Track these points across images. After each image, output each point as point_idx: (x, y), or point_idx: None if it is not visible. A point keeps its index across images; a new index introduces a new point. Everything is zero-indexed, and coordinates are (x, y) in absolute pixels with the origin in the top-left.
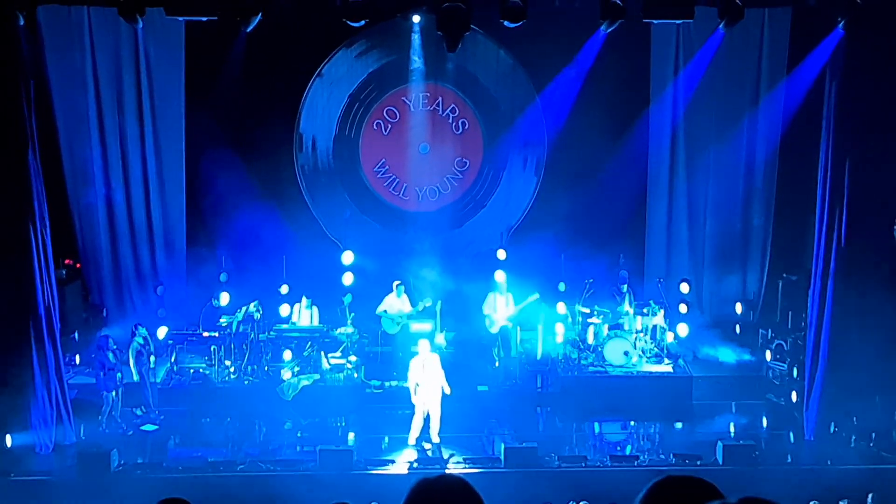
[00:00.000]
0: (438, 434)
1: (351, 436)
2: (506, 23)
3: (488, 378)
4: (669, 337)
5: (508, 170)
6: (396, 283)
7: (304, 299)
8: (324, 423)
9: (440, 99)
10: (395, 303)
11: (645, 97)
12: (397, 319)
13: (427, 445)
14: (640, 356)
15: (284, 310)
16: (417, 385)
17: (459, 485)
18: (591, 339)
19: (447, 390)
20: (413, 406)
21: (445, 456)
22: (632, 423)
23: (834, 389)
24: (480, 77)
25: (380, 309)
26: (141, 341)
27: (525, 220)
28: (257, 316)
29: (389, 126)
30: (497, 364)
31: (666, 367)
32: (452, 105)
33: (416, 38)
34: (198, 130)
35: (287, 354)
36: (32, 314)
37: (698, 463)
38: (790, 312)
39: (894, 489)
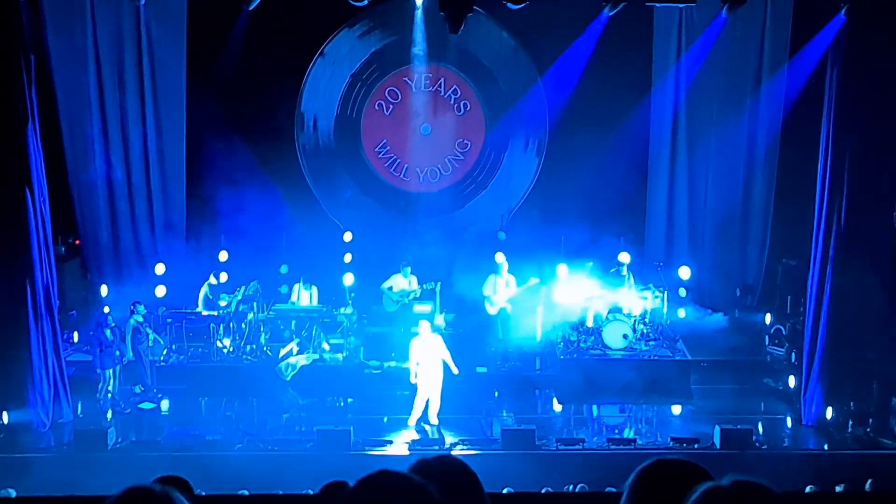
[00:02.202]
0: (437, 416)
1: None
2: (509, 4)
3: (487, 360)
4: (665, 306)
5: (510, 151)
6: (405, 263)
7: (301, 280)
8: (322, 403)
9: (442, 80)
10: (401, 282)
11: (647, 81)
12: (398, 298)
13: (425, 427)
14: (638, 339)
15: (284, 289)
16: (418, 364)
17: (458, 466)
18: (590, 322)
19: (454, 370)
20: (412, 387)
21: (443, 437)
22: (630, 406)
23: (832, 375)
24: (483, 58)
25: (385, 285)
26: (140, 319)
27: (526, 202)
28: (257, 295)
29: (391, 106)
30: (496, 346)
31: (664, 351)
32: (454, 86)
33: (418, 19)
34: (199, 109)
35: (290, 344)
36: (31, 291)
37: (696, 447)
38: (789, 297)
39: (892, 475)
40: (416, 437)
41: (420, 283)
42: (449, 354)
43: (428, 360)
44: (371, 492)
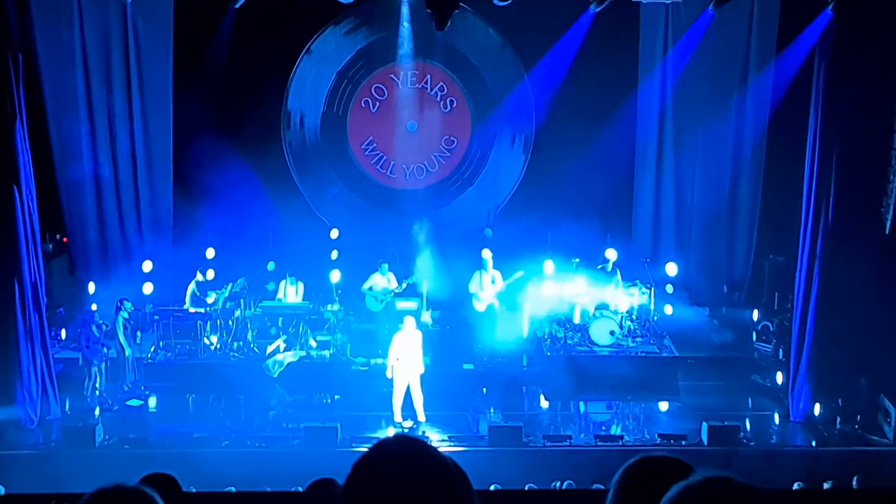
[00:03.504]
0: (423, 412)
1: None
2: (495, 1)
3: (474, 356)
4: (651, 302)
5: (496, 148)
6: (381, 262)
7: (287, 276)
8: (309, 400)
9: (428, 77)
10: (380, 280)
11: (633, 77)
12: (381, 297)
13: (411, 423)
14: (625, 336)
15: (271, 286)
16: (398, 360)
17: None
18: (577, 319)
19: (420, 369)
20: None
21: (430, 434)
22: (617, 402)
23: (819, 371)
24: (469, 55)
25: (365, 286)
26: (126, 316)
27: (512, 199)
28: (244, 292)
29: (377, 103)
30: (483, 343)
31: (651, 347)
32: (441, 83)
33: (404, 16)
34: (186, 107)
35: (277, 341)
36: (18, 288)
37: (683, 443)
38: (776, 294)
39: (879, 471)
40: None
41: (399, 280)
42: (421, 354)
43: (407, 355)
44: (388, 454)
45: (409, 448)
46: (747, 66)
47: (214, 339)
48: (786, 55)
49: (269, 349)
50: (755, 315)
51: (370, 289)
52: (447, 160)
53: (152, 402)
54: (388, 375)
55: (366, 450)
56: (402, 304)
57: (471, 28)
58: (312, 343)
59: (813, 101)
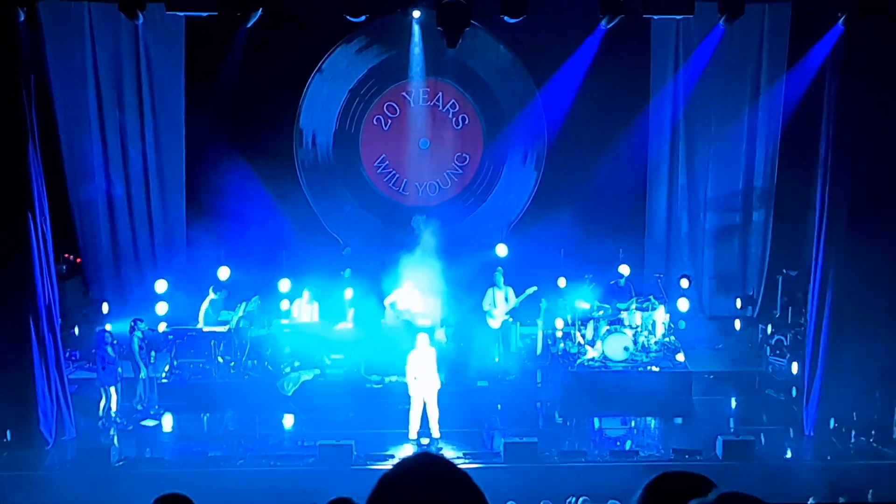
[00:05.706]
0: (439, 429)
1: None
2: (506, 18)
3: (488, 373)
4: (665, 317)
5: (508, 165)
6: (408, 282)
7: (305, 294)
8: (324, 418)
9: (440, 94)
10: (405, 296)
11: (645, 92)
12: (400, 313)
13: (427, 440)
14: (639, 351)
15: (284, 305)
16: (416, 379)
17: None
18: (590, 335)
19: (436, 385)
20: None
21: (445, 451)
22: (631, 418)
23: (834, 385)
24: (481, 72)
25: (389, 300)
26: (140, 336)
27: (525, 215)
28: (257, 311)
29: (389, 121)
30: (497, 359)
31: (665, 362)
32: (452, 100)
33: (416, 34)
34: (198, 126)
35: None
36: (32, 309)
37: (698, 458)
38: (790, 308)
39: (894, 485)
40: (418, 451)
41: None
42: (435, 369)
43: (423, 372)
44: (412, 471)
45: (433, 465)
46: (759, 80)
47: (228, 358)
48: (797, 69)
49: (284, 368)
50: (769, 329)
51: (394, 303)
52: (459, 177)
53: (167, 421)
54: (411, 393)
55: (386, 467)
56: (421, 321)
57: (482, 45)
58: (326, 361)
59: (824, 115)
